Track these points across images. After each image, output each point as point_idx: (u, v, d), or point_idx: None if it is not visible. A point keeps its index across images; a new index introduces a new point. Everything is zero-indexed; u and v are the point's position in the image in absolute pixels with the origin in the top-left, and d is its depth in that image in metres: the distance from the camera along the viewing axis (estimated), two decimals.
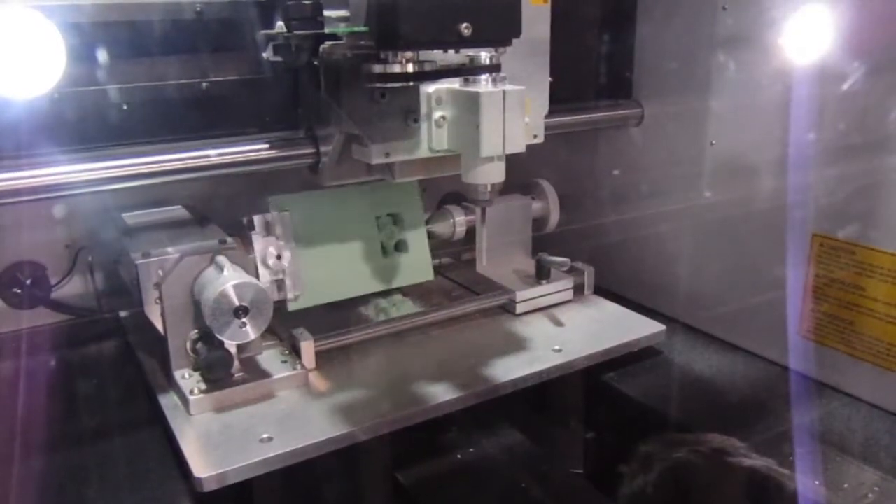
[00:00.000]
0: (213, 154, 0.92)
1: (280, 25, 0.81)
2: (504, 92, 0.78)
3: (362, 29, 0.71)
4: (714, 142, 1.15)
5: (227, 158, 0.93)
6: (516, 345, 1.06)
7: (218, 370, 0.89)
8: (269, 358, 0.97)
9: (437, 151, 0.86)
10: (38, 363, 1.06)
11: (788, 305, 1.05)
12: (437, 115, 0.84)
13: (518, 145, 0.80)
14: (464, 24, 0.70)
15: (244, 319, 0.85)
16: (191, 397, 0.88)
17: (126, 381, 1.01)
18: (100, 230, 1.14)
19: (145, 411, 0.93)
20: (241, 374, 0.92)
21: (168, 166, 0.90)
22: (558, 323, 1.13)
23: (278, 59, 0.84)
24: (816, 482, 0.83)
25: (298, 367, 0.95)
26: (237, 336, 0.85)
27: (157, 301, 0.89)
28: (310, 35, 0.78)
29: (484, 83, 0.78)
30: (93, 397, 0.99)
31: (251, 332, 0.86)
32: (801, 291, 1.04)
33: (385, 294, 1.19)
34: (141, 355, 1.03)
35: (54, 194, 0.87)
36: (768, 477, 0.84)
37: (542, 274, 1.18)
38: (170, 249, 0.94)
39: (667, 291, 1.24)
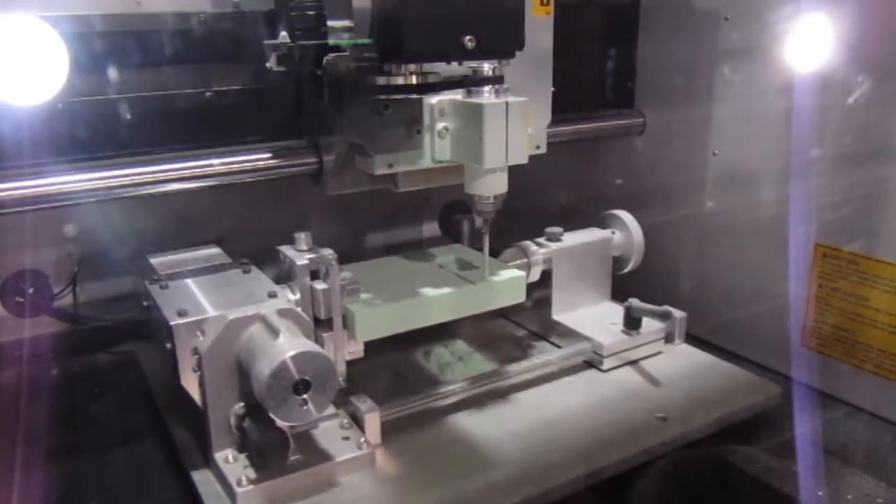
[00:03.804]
0: (217, 163, 0.92)
1: (283, 35, 0.81)
2: (507, 103, 0.78)
3: (366, 41, 0.72)
4: (716, 152, 1.15)
5: (231, 167, 0.93)
6: (612, 412, 0.92)
7: (272, 456, 0.75)
8: (327, 433, 0.82)
9: (440, 162, 0.86)
10: (40, 380, 1.03)
11: (790, 315, 1.05)
12: (439, 126, 0.84)
13: (521, 157, 0.80)
14: (467, 37, 0.70)
15: (305, 396, 0.70)
16: (238, 490, 0.74)
17: (153, 451, 0.88)
18: (103, 238, 1.13)
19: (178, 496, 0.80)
20: (296, 457, 0.77)
21: (171, 175, 0.90)
22: (654, 382, 0.99)
23: (282, 68, 0.84)
24: (820, 493, 0.83)
25: (363, 444, 0.81)
26: (296, 416, 0.71)
27: (196, 369, 0.76)
28: (313, 45, 0.78)
29: (487, 94, 0.79)
30: (113, 477, 0.85)
31: (313, 411, 0.71)
32: (803, 301, 1.04)
33: (446, 342, 1.08)
34: (170, 423, 0.88)
35: (56, 204, 0.86)
36: (772, 487, 0.84)
37: (632, 323, 1.05)
38: (210, 308, 0.79)
39: (669, 301, 1.24)
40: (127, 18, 0.97)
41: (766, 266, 1.08)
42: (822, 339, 1.03)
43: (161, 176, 0.89)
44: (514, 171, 0.82)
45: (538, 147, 0.94)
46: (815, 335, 1.04)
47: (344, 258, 0.85)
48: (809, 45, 0.99)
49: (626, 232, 1.14)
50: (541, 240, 1.09)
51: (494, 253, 1.02)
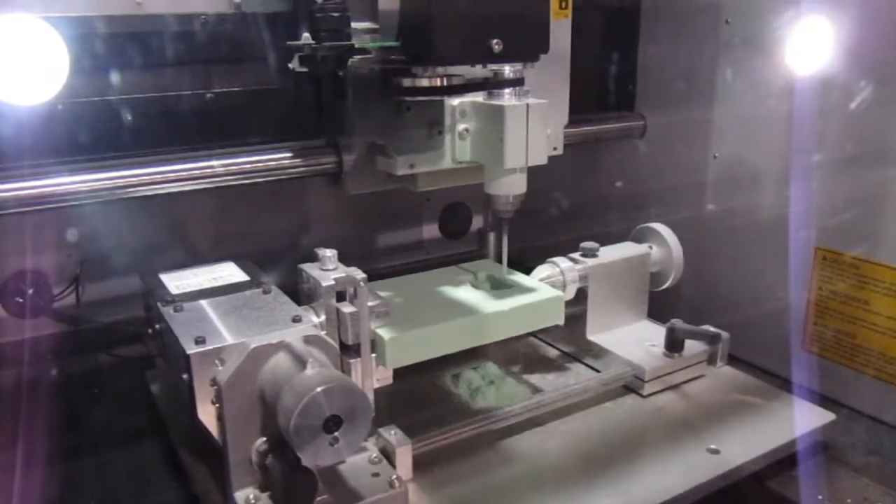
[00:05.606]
0: (235, 162, 0.91)
1: (306, 37, 0.81)
2: (528, 105, 0.79)
3: (393, 43, 0.72)
4: (717, 154, 1.16)
5: (250, 167, 0.92)
6: (660, 443, 0.87)
7: (298, 498, 0.69)
8: (356, 468, 0.76)
9: (461, 163, 0.86)
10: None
11: (791, 319, 1.06)
12: (460, 127, 0.85)
13: (540, 157, 0.81)
14: (495, 41, 0.71)
15: (336, 434, 0.64)
16: None
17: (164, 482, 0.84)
18: (102, 239, 1.12)
19: None
20: (323, 497, 0.70)
21: (187, 175, 0.88)
22: (701, 409, 0.93)
23: (304, 69, 0.84)
24: (819, 497, 0.84)
25: (395, 481, 0.74)
26: (325, 456, 0.65)
27: (215, 402, 0.71)
28: (337, 46, 0.78)
29: (508, 97, 0.79)
30: None
31: (345, 451, 0.65)
32: (803, 305, 1.05)
33: (475, 364, 1.01)
34: (184, 456, 0.82)
35: (57, 204, 0.85)
36: (771, 491, 0.85)
37: (674, 346, 0.99)
38: (229, 334, 0.73)
39: (669, 303, 1.25)
40: (127, 20, 0.96)
41: (767, 269, 1.09)
42: (823, 342, 1.04)
43: (176, 175, 0.88)
44: None
45: (555, 149, 0.94)
46: (815, 339, 1.05)
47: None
48: (810, 48, 1.00)
49: (665, 246, 1.09)
50: (575, 255, 1.03)
51: (527, 270, 0.99)
